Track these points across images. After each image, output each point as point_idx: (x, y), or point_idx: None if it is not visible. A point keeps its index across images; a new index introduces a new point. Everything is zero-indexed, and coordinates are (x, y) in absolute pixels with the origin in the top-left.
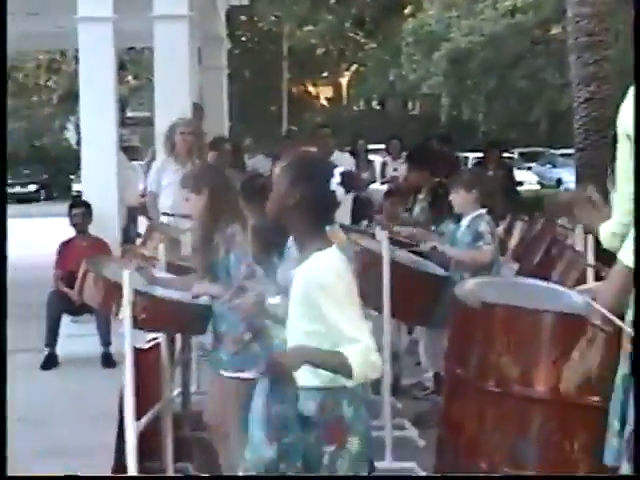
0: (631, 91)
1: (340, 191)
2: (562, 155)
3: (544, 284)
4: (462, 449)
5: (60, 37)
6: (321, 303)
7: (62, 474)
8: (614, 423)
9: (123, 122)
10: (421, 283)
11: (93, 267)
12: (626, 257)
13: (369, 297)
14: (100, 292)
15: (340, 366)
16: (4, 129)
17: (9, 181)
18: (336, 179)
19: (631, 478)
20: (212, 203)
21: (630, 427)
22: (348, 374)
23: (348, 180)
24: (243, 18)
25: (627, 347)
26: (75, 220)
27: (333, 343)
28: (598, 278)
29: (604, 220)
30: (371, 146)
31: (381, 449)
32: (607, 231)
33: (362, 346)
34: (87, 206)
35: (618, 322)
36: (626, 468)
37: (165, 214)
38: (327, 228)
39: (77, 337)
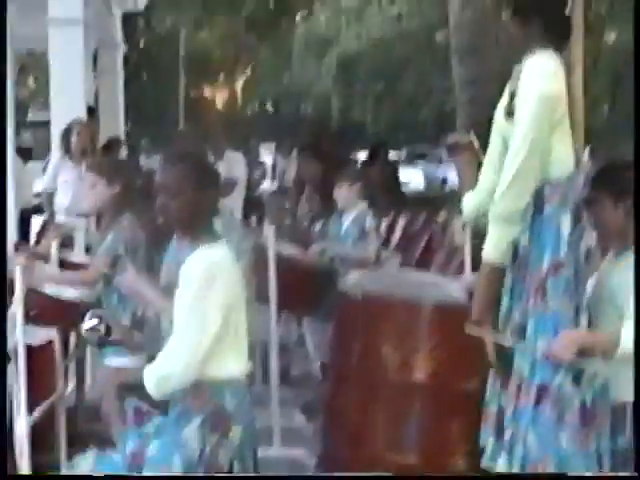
0: (506, 90)
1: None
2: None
3: (424, 275)
4: (347, 436)
5: None
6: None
7: None
8: (489, 430)
9: (24, 125)
10: (307, 276)
11: None
12: (486, 253)
13: (258, 290)
14: None
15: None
16: (4, 129)
17: None
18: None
19: (631, 478)
20: (122, 196)
21: (509, 430)
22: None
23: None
24: (140, 23)
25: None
26: None
27: None
28: (476, 268)
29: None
30: (264, 145)
31: (269, 437)
32: (468, 204)
33: (162, 364)
34: None
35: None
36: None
37: (63, 212)
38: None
39: None
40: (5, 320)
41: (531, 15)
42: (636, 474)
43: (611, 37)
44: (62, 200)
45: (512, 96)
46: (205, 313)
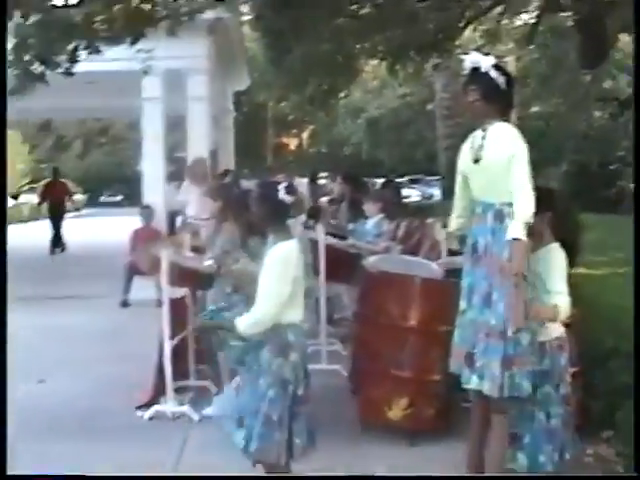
0: (467, 141)
1: (287, 197)
2: (434, 180)
3: (416, 259)
4: (368, 357)
5: (130, 110)
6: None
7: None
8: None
9: (172, 160)
10: (344, 258)
11: (149, 249)
12: (514, 232)
13: (314, 267)
14: (150, 262)
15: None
16: (4, 134)
17: (108, 194)
18: (282, 191)
19: (631, 478)
20: (222, 208)
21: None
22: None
23: (288, 190)
24: (244, 97)
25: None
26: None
27: None
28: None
29: None
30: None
31: (319, 357)
32: (451, 224)
33: (251, 315)
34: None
35: None
36: (475, 381)
37: (192, 216)
38: (290, 222)
39: (141, 288)
40: (5, 327)
41: (493, 100)
42: (636, 474)
43: (533, 108)
44: (191, 209)
45: (479, 149)
46: (280, 284)
